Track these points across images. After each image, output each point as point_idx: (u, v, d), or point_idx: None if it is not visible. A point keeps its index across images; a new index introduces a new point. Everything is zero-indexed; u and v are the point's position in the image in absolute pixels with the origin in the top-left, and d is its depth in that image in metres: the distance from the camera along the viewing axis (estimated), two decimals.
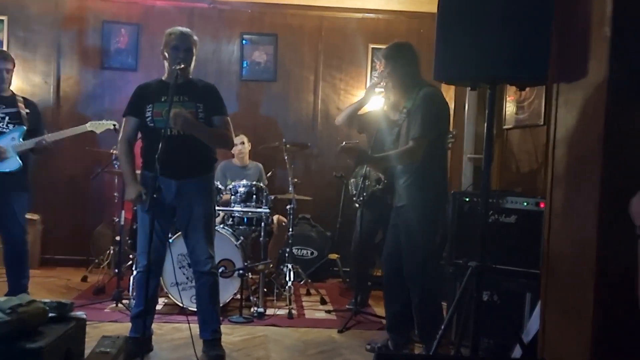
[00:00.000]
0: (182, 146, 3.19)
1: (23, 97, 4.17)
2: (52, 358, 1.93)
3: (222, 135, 3.35)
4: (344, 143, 3.65)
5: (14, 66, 4.10)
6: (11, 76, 4.06)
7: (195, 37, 3.32)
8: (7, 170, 3.88)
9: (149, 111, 3.25)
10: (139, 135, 3.40)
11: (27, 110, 4.05)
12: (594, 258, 1.96)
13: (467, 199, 3.75)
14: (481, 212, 2.58)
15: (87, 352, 2.47)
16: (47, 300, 2.20)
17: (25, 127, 3.97)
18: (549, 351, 2.29)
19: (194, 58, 3.32)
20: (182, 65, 3.20)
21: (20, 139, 3.93)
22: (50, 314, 2.09)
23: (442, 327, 2.56)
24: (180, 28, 3.33)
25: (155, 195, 2.92)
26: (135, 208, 4.52)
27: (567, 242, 2.20)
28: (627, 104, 1.92)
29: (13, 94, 4.08)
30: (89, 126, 4.29)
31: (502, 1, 2.35)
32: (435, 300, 3.27)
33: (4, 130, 3.93)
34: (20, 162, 3.91)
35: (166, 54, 3.29)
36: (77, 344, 2.19)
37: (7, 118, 3.95)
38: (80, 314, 2.28)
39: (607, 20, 1.96)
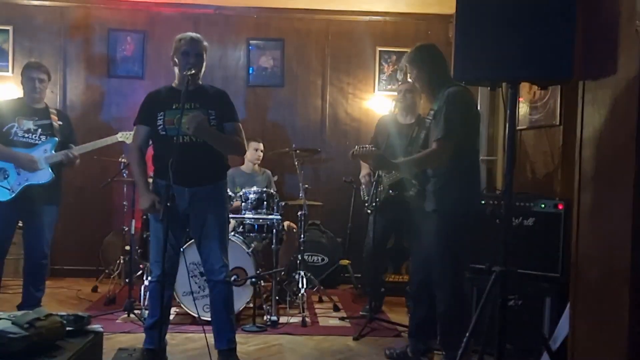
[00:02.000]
0: (194, 153, 3.14)
1: (56, 109, 4.18)
2: None
3: (234, 141, 3.29)
4: (356, 148, 3.58)
5: (50, 78, 4.10)
6: (45, 87, 4.05)
7: (205, 43, 3.28)
8: (39, 182, 3.87)
9: (160, 119, 3.19)
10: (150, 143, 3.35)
11: (60, 122, 4.04)
12: (629, 262, 1.90)
13: (482, 202, 3.68)
14: (504, 215, 2.53)
15: None
16: (64, 313, 2.14)
17: (57, 139, 3.96)
18: (580, 358, 2.22)
19: (204, 64, 3.27)
20: (193, 71, 3.16)
21: (52, 151, 3.91)
22: (68, 328, 2.03)
23: (467, 334, 2.48)
24: (190, 34, 3.28)
25: (168, 204, 2.88)
26: (144, 217, 4.47)
27: (597, 246, 2.14)
28: None
29: (46, 106, 4.07)
30: (119, 137, 4.28)
31: None
32: (461, 309, 3.17)
33: (37, 142, 3.91)
34: (53, 173, 3.88)
35: (176, 60, 3.24)
36: (95, 358, 2.13)
37: (39, 130, 3.94)
38: (97, 327, 2.22)
39: (637, 15, 1.90)
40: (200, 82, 3.33)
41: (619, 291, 1.96)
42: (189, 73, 3.14)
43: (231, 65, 5.95)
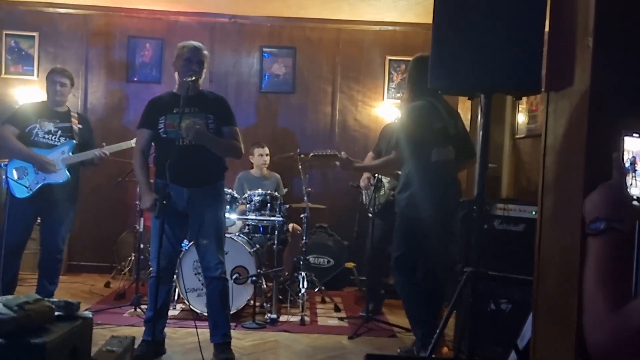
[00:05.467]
0: (193, 155, 3.30)
1: (77, 113, 4.39)
2: (57, 354, 2.04)
3: (231, 145, 3.45)
4: (313, 152, 3.88)
5: (72, 84, 4.32)
6: (67, 91, 4.26)
7: (205, 52, 3.46)
8: (56, 182, 4.07)
9: (161, 122, 3.36)
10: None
11: (80, 126, 4.24)
12: (578, 266, 1.99)
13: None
14: (477, 219, 2.63)
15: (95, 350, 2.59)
16: (55, 299, 2.33)
17: (75, 142, 4.15)
18: (539, 356, 2.32)
19: (204, 71, 3.45)
20: (194, 77, 3.32)
21: (70, 153, 4.12)
22: (57, 313, 2.20)
23: (438, 332, 2.60)
24: (192, 42, 3.47)
25: (165, 202, 3.04)
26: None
27: (555, 249, 2.24)
28: (608, 111, 1.95)
29: (68, 110, 4.29)
30: (133, 142, 4.44)
31: (495, 13, 2.43)
32: (411, 302, 3.50)
33: (56, 143, 4.12)
34: (69, 174, 4.09)
35: (179, 67, 3.42)
36: (84, 341, 2.30)
37: (59, 132, 4.14)
38: (87, 313, 2.39)
39: (589, 31, 2.00)
40: (200, 88, 3.51)
41: (570, 291, 2.05)
42: (189, 79, 3.30)
43: (244, 72, 6.14)
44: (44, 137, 4.11)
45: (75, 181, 4.20)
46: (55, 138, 4.13)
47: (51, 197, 4.07)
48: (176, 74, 3.46)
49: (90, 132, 4.36)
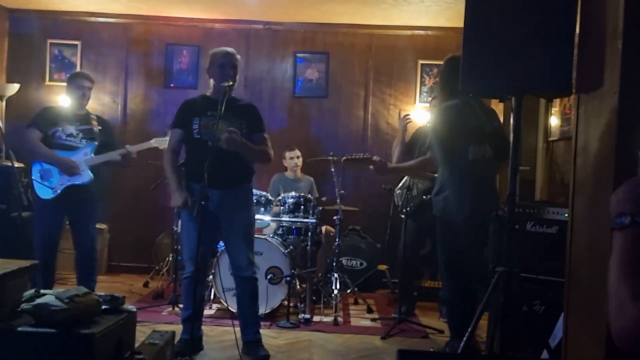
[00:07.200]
0: (225, 158, 3.36)
1: (97, 115, 4.52)
2: (104, 344, 2.16)
3: (262, 151, 3.56)
4: (346, 155, 3.94)
5: (93, 84, 4.47)
6: (90, 94, 4.42)
7: (238, 56, 3.56)
8: (80, 182, 4.19)
9: (196, 124, 3.45)
10: None
11: (100, 127, 4.38)
12: (608, 264, 2.02)
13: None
14: (508, 219, 2.66)
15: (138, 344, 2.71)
16: (102, 293, 2.45)
17: (96, 143, 4.28)
18: (571, 355, 2.34)
19: (237, 76, 3.56)
20: (231, 82, 3.43)
21: (92, 154, 4.26)
22: (104, 306, 2.33)
23: (470, 330, 2.64)
24: (225, 48, 3.57)
25: (203, 202, 3.15)
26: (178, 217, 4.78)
27: (586, 249, 2.26)
28: (638, 113, 1.98)
29: (87, 112, 4.42)
30: (153, 142, 4.57)
31: (526, 15, 2.46)
32: (460, 303, 3.41)
33: (78, 145, 4.25)
34: (92, 175, 4.22)
35: (213, 73, 3.52)
36: (128, 334, 2.41)
37: (80, 134, 4.27)
38: (131, 307, 2.51)
39: (619, 33, 2.03)
40: (233, 94, 3.60)
41: (600, 292, 2.08)
42: (227, 84, 3.40)
43: (278, 77, 6.26)
44: (66, 140, 4.21)
45: (98, 181, 4.29)
46: (77, 140, 4.24)
47: (76, 197, 4.18)
48: (211, 80, 3.57)
49: (110, 134, 4.46)
